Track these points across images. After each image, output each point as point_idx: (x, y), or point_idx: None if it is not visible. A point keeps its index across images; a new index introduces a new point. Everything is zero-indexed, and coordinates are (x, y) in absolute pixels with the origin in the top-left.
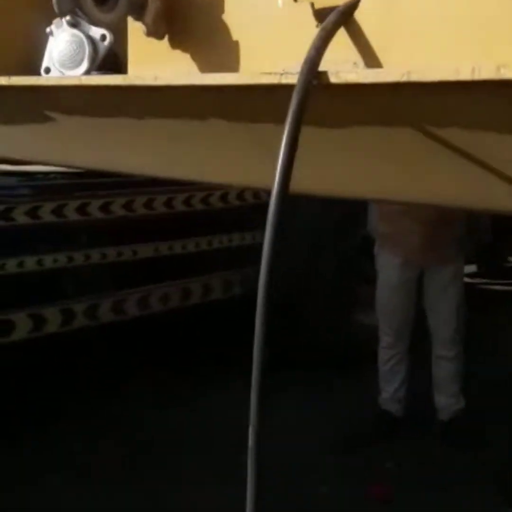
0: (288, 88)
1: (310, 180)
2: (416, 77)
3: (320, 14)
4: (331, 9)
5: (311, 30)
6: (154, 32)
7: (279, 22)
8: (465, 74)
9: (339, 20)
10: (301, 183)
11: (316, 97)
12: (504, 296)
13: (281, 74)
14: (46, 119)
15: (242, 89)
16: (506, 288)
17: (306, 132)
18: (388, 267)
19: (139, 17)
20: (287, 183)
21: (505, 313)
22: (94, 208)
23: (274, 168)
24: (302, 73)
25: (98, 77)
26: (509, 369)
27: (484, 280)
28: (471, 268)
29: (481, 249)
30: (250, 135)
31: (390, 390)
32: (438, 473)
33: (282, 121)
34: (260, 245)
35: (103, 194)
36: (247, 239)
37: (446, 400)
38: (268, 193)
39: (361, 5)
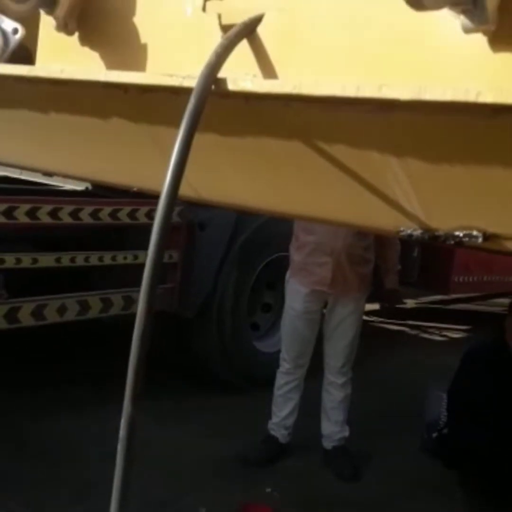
0: (189, 91)
1: (202, 186)
2: (306, 90)
3: (226, 27)
4: (236, 23)
5: (216, 39)
6: (64, 27)
7: (187, 30)
8: (350, 90)
9: (242, 32)
10: (191, 188)
11: (213, 103)
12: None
13: (183, 78)
14: None
15: (145, 90)
16: (400, 328)
17: (201, 138)
18: (295, 296)
19: (50, 11)
20: (177, 184)
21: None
22: None
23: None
24: (201, 76)
25: (2, 65)
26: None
27: (382, 319)
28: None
29: (385, 291)
30: (150, 137)
31: (280, 415)
32: (317, 499)
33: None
34: (164, 265)
35: (6, 199)
36: None
37: (330, 427)
38: (185, 214)
39: (264, 21)
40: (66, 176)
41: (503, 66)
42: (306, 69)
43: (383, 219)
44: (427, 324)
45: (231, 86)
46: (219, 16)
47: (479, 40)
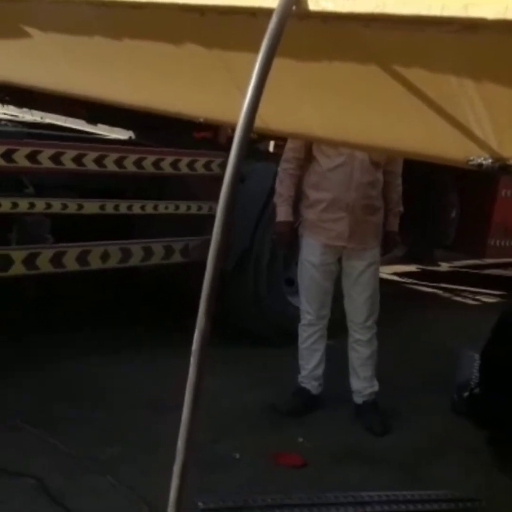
0: (268, 13)
1: (270, 115)
2: (389, 9)
3: None
4: None
5: None
6: None
7: None
8: (435, 9)
9: None
10: (260, 119)
11: (291, 26)
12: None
13: None
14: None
15: (223, 12)
16: (434, 290)
17: (274, 63)
18: (309, 249)
19: None
20: (255, 109)
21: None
22: (44, 157)
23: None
24: None
25: None
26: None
27: (416, 281)
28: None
29: (385, 233)
30: (223, 64)
31: (308, 368)
32: (347, 452)
33: (257, 51)
34: (204, 216)
35: (54, 145)
36: (192, 209)
37: (360, 383)
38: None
39: None
40: (131, 106)
41: None
42: None
43: (453, 147)
44: (461, 288)
45: (312, 6)
46: None
47: None
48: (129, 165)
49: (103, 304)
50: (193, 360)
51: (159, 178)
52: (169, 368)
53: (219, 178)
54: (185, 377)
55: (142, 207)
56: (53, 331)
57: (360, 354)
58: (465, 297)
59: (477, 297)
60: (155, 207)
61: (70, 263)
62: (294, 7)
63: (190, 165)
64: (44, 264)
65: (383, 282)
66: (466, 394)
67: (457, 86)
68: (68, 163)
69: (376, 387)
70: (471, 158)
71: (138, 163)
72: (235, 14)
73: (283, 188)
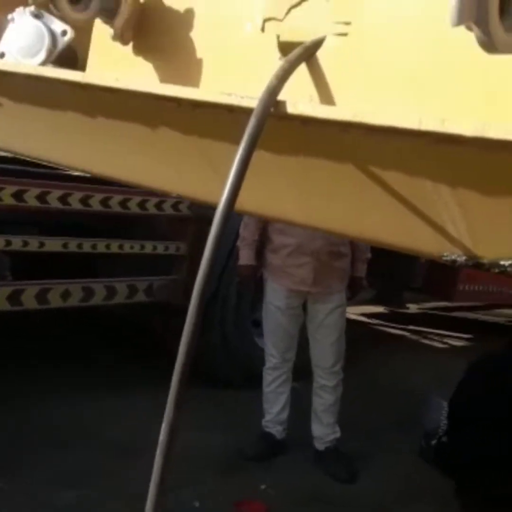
0: (246, 111)
1: (245, 198)
2: (366, 119)
3: (284, 47)
4: (294, 44)
5: (273, 60)
6: (120, 36)
7: (244, 48)
8: (412, 122)
9: (303, 55)
10: (244, 202)
11: (271, 124)
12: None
13: (242, 97)
14: None
15: (200, 105)
16: (402, 332)
17: (257, 156)
18: (274, 293)
19: (109, 20)
20: (233, 201)
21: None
22: (6, 194)
23: (221, 186)
24: (262, 99)
25: (58, 70)
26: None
27: (386, 322)
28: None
29: (351, 279)
30: (198, 150)
31: (273, 412)
32: (310, 498)
33: (233, 141)
34: (171, 256)
35: (17, 182)
36: (159, 249)
37: (322, 430)
38: (195, 207)
39: (325, 44)
40: (109, 179)
41: None
42: (364, 95)
43: (427, 243)
44: (429, 330)
45: (291, 109)
46: (278, 37)
47: None
48: (95, 204)
49: (62, 343)
50: (159, 451)
51: (126, 217)
52: (130, 410)
53: (187, 219)
54: (147, 419)
55: (107, 246)
56: (8, 369)
57: (324, 400)
58: (432, 339)
59: (445, 340)
60: (121, 247)
61: (29, 301)
62: (272, 109)
63: (158, 205)
64: (1, 301)
65: (351, 323)
66: (433, 442)
67: (433, 191)
68: (31, 200)
69: (338, 434)
70: (445, 254)
71: (104, 202)
72: (212, 108)
73: (247, 232)
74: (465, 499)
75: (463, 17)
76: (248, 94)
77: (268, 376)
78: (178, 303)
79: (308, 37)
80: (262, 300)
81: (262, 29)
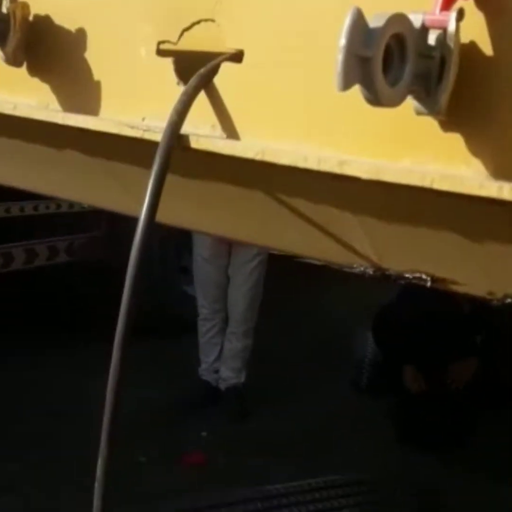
0: (150, 143)
1: (166, 215)
2: (268, 157)
3: (180, 71)
4: (191, 68)
5: (171, 84)
6: (13, 61)
7: (141, 70)
8: (312, 163)
9: (200, 83)
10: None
11: (176, 154)
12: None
13: (144, 130)
14: None
15: (104, 134)
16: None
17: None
18: (201, 242)
19: None
20: (147, 237)
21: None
22: None
23: (131, 200)
24: (164, 136)
25: None
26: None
27: None
28: None
29: None
30: (107, 169)
31: (208, 361)
32: (250, 443)
33: (139, 163)
34: (88, 213)
35: None
36: (75, 206)
37: (227, 373)
38: None
39: (220, 71)
40: (23, 189)
41: (453, 153)
42: (264, 124)
43: (339, 257)
44: None
45: (194, 144)
46: (173, 60)
47: (433, 124)
48: None
49: None
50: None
51: None
52: (59, 372)
53: None
54: (75, 382)
55: (21, 209)
56: None
57: (232, 345)
58: (353, 268)
59: None
60: (35, 208)
61: None
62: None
63: None
64: None
65: (281, 258)
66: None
67: (338, 215)
68: None
69: (242, 379)
70: (355, 266)
71: None
72: (115, 138)
73: None
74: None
75: (349, 81)
76: (150, 122)
77: (202, 327)
78: (99, 260)
79: (203, 62)
80: (189, 247)
81: (157, 52)
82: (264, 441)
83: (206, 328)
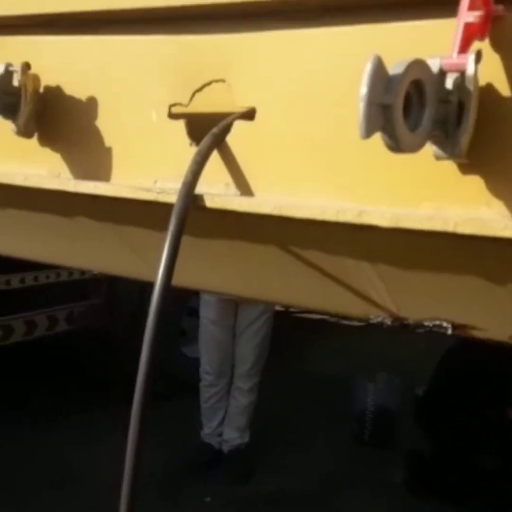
0: (163, 205)
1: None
2: (285, 212)
3: (193, 132)
4: (203, 128)
5: (184, 146)
6: (24, 132)
7: (153, 134)
8: (330, 214)
9: (213, 143)
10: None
11: (191, 213)
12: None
13: (158, 193)
14: None
15: (117, 199)
16: (322, 316)
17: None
18: (207, 305)
19: (10, 116)
20: (165, 300)
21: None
22: None
23: (143, 266)
24: (180, 196)
25: None
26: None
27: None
28: None
29: None
30: (119, 235)
31: (212, 426)
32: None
33: (153, 227)
34: (88, 281)
35: None
36: (75, 275)
37: (231, 434)
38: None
39: (233, 130)
40: (28, 258)
41: (474, 195)
42: (279, 180)
43: (354, 308)
44: None
45: (209, 203)
46: (185, 122)
47: (452, 167)
48: None
49: None
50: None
51: None
52: (68, 441)
53: None
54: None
55: (21, 280)
56: None
57: (238, 402)
58: (351, 320)
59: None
60: (36, 278)
61: None
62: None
63: None
64: None
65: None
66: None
67: (354, 266)
68: None
69: (246, 438)
70: (372, 317)
71: None
72: (129, 203)
73: None
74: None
75: (370, 128)
76: (163, 184)
77: (205, 393)
78: (101, 327)
79: (215, 122)
80: (188, 309)
81: (169, 115)
82: (269, 503)
83: (209, 394)
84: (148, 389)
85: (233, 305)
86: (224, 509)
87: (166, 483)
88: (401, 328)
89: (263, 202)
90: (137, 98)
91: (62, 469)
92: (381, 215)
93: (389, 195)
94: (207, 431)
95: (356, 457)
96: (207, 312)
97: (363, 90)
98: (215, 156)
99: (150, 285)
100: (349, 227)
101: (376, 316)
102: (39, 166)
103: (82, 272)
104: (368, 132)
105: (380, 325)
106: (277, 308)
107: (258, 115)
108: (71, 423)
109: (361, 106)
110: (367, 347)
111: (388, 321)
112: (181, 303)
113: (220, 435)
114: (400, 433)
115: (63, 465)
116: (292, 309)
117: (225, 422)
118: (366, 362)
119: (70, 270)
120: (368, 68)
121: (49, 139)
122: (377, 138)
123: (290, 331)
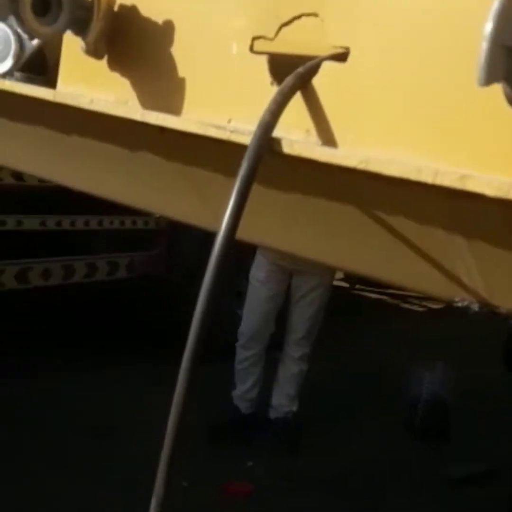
0: (236, 146)
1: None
2: (374, 167)
3: (275, 70)
4: (287, 67)
5: (264, 84)
6: (94, 51)
7: (231, 69)
8: (427, 176)
9: (297, 84)
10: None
11: (265, 159)
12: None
13: (231, 131)
14: None
15: (186, 135)
16: (380, 296)
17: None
18: (259, 266)
19: (80, 33)
20: (228, 248)
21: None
22: None
23: (208, 212)
24: (255, 137)
25: (26, 87)
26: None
27: (362, 287)
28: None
29: None
30: (184, 176)
31: (242, 389)
32: (296, 476)
33: (221, 171)
34: (150, 231)
35: None
36: (138, 224)
37: (281, 400)
38: None
39: (320, 71)
40: (85, 192)
41: None
42: (367, 131)
43: (437, 288)
44: (407, 293)
45: (287, 149)
46: (268, 58)
47: None
48: None
49: (45, 323)
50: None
51: None
52: (117, 389)
53: None
54: (133, 398)
55: (86, 223)
56: None
57: (287, 368)
58: (412, 303)
59: (424, 303)
60: (100, 223)
61: (9, 281)
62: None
63: None
64: None
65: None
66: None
67: (446, 240)
68: (6, 178)
69: (295, 407)
70: (457, 300)
71: None
72: (199, 138)
73: None
74: None
75: (492, 75)
76: (237, 125)
77: (239, 354)
78: (159, 275)
79: (302, 61)
80: (245, 271)
81: (251, 49)
82: (312, 479)
83: (243, 356)
84: (200, 342)
85: (285, 273)
86: (266, 475)
87: (207, 444)
88: (490, 316)
89: (349, 154)
90: (218, 26)
91: (106, 416)
92: (488, 182)
93: (499, 162)
94: (237, 392)
95: (403, 446)
96: (257, 273)
97: (489, 26)
98: (297, 99)
99: (211, 238)
100: (447, 193)
101: (462, 299)
102: (106, 91)
103: (146, 222)
104: (488, 79)
105: (465, 310)
106: (335, 283)
107: (351, 57)
108: (119, 370)
109: (484, 46)
110: (427, 334)
111: (475, 307)
112: (239, 264)
113: (249, 400)
114: (452, 427)
115: (108, 412)
116: (349, 285)
117: (274, 389)
118: (424, 350)
119: (133, 219)
120: (496, 5)
121: (119, 63)
122: (493, 90)
123: (347, 309)
